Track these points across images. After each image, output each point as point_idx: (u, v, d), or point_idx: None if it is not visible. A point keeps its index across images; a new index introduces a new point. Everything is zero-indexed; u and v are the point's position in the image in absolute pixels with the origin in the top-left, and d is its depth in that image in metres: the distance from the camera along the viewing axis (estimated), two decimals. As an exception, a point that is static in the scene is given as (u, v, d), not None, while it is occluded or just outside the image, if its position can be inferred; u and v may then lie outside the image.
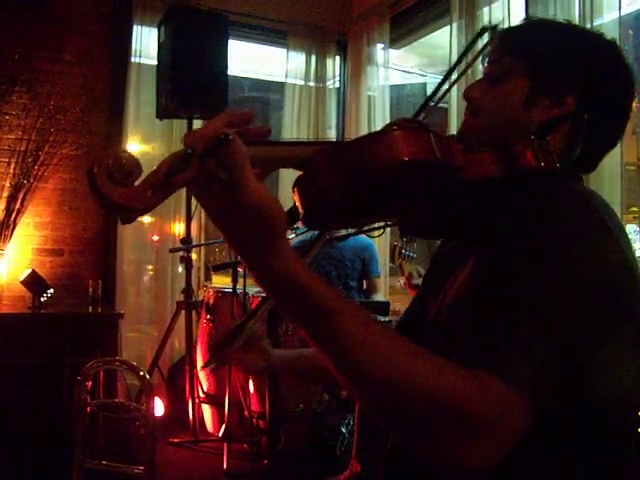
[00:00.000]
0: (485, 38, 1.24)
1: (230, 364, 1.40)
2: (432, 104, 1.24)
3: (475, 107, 1.17)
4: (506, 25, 4.03)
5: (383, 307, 4.09)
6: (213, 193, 0.77)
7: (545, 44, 1.13)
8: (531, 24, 1.22)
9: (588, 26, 3.47)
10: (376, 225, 1.31)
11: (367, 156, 0.87)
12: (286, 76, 5.73)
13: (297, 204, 0.93)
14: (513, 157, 0.97)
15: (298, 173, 0.92)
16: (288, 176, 5.60)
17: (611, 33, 3.44)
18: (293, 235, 4.21)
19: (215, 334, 1.42)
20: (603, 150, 1.17)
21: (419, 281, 2.71)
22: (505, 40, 1.18)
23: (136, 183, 0.74)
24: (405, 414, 0.82)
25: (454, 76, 1.28)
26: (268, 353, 1.43)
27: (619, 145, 3.63)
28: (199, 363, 4.38)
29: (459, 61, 1.16)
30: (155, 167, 0.75)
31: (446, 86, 1.25)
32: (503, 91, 1.14)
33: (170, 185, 0.74)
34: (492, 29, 1.23)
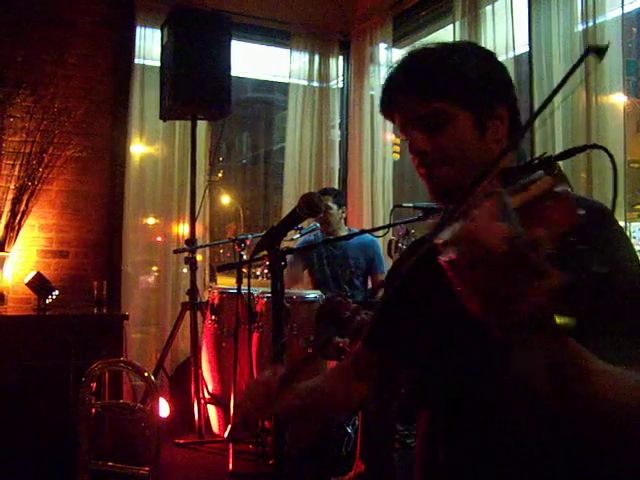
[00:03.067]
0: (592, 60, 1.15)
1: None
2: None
3: (436, 158, 1.19)
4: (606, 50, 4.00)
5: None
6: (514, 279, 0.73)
7: (460, 74, 1.18)
8: (426, 58, 1.22)
9: (591, 24, 3.47)
10: (380, 225, 1.29)
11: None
12: (289, 76, 5.73)
13: None
14: None
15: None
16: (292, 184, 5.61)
17: (614, 30, 3.44)
18: (298, 235, 4.22)
19: (258, 386, 1.44)
20: None
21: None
22: (416, 87, 1.20)
23: None
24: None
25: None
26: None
27: (622, 143, 3.61)
28: (204, 364, 4.39)
29: (562, 84, 1.03)
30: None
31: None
32: (455, 134, 1.18)
33: None
34: (602, 51, 1.04)
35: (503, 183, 0.94)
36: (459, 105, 1.18)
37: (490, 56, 1.26)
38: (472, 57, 1.22)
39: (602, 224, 1.07)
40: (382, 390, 1.53)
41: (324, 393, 1.48)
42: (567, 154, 1.15)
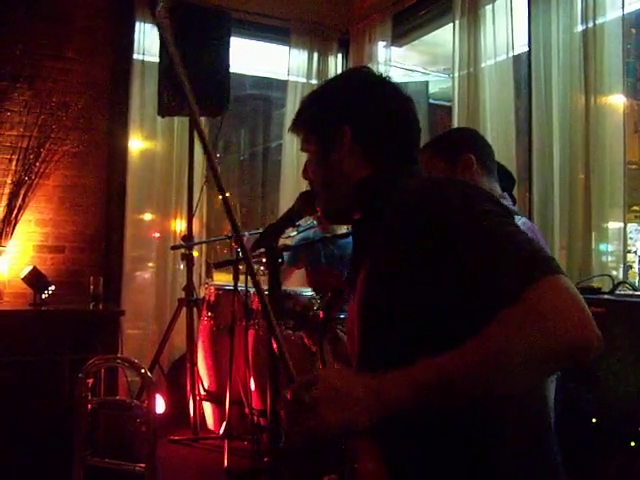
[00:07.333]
0: None
1: None
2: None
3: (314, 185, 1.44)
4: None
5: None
6: None
7: (306, 109, 1.40)
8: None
9: (590, 25, 3.46)
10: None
11: None
12: (288, 74, 5.72)
13: None
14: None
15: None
16: (290, 178, 5.60)
17: (614, 32, 3.43)
18: (295, 232, 4.22)
19: None
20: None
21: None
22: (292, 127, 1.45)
23: None
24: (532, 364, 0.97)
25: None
26: None
27: (622, 144, 3.61)
28: (200, 360, 4.38)
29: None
30: None
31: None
32: (310, 164, 1.42)
33: None
34: None
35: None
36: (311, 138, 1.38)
37: (346, 81, 1.41)
38: (322, 91, 1.40)
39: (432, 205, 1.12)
40: None
41: None
42: None
